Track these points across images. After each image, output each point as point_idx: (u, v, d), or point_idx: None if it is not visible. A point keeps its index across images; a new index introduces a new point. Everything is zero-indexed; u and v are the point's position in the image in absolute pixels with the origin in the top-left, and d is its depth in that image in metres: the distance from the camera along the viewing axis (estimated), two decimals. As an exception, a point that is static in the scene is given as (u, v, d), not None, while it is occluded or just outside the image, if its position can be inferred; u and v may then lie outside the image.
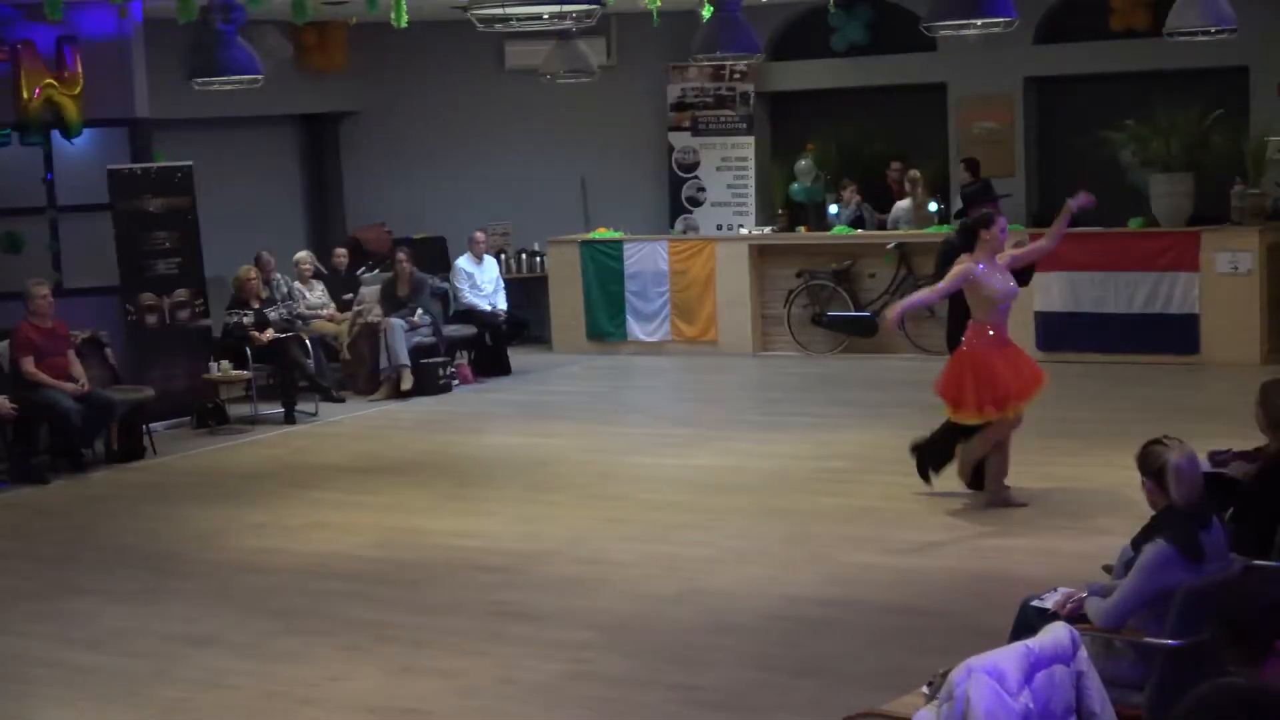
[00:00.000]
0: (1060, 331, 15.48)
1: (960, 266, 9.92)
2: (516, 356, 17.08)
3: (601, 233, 17.98)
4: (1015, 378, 9.99)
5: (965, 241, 10.15)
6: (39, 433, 12.53)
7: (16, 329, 12.67)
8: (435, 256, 18.19)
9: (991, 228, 9.92)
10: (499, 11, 9.16)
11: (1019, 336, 15.36)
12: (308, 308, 16.20)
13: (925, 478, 10.48)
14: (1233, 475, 7.23)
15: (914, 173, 16.92)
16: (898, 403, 13.93)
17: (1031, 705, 4.60)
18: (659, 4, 11.97)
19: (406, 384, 15.44)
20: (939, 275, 10.47)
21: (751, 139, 18.71)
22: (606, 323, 17.68)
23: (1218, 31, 12.75)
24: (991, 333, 9.98)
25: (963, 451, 10.25)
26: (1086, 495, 10.22)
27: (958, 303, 10.28)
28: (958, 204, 16.77)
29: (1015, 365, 10.08)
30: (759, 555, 9.49)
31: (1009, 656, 4.67)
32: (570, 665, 7.56)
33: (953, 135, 17.87)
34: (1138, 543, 6.01)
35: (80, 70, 14.12)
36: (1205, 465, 6.67)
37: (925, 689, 5.08)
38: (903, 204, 17.04)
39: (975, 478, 10.33)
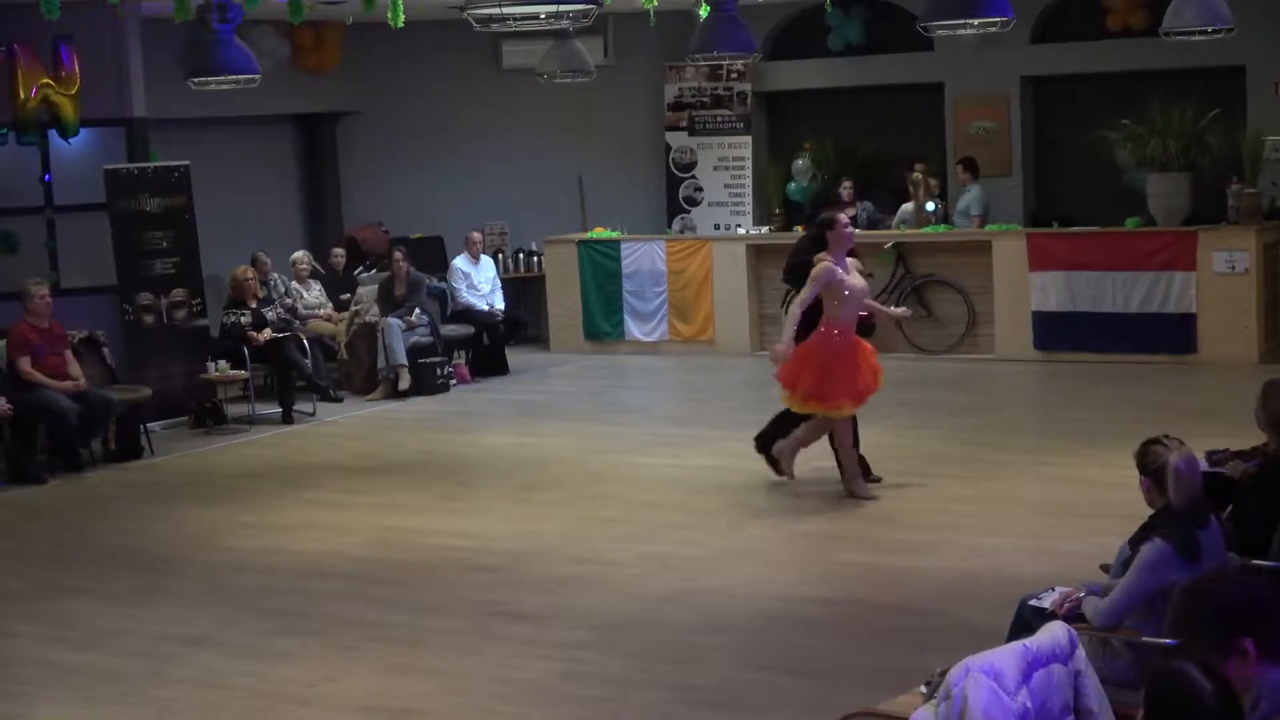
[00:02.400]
0: (1057, 331, 15.48)
1: (819, 267, 10.26)
2: (514, 356, 17.07)
3: (599, 232, 17.97)
4: (849, 381, 10.34)
5: (816, 245, 10.51)
6: (36, 433, 12.51)
7: (13, 329, 12.65)
8: (432, 256, 18.18)
9: (835, 228, 10.36)
10: (495, 11, 9.14)
11: (1016, 336, 15.52)
12: (305, 307, 16.19)
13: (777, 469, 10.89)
14: (1230, 475, 7.22)
15: (916, 175, 16.91)
16: (893, 402, 13.89)
17: (1029, 704, 4.60)
18: (655, 4, 11.95)
19: (404, 384, 15.44)
20: (796, 289, 10.78)
21: (748, 138, 18.70)
22: (604, 322, 17.67)
23: (1214, 31, 12.74)
24: (838, 333, 10.38)
25: (794, 436, 10.67)
26: (1083, 494, 10.22)
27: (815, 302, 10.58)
28: (957, 203, 16.80)
29: (854, 367, 10.39)
30: (755, 555, 9.48)
31: (1007, 656, 4.66)
32: (565, 665, 7.55)
33: (950, 135, 17.86)
34: (1135, 542, 6.00)
35: (77, 70, 14.11)
36: (1203, 465, 6.66)
37: (923, 688, 5.07)
38: (908, 206, 17.01)
39: (770, 457, 10.90)
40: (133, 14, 14.48)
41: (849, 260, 10.49)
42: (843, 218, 10.55)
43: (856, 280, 10.44)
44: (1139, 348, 15.07)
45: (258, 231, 17.43)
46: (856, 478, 10.60)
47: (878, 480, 10.81)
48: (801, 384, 10.36)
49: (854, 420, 10.67)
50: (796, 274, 10.70)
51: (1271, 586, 3.99)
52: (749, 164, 18.69)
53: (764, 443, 11.07)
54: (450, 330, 16.38)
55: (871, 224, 17.32)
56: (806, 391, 10.35)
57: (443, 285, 16.90)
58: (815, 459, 11.57)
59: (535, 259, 18.66)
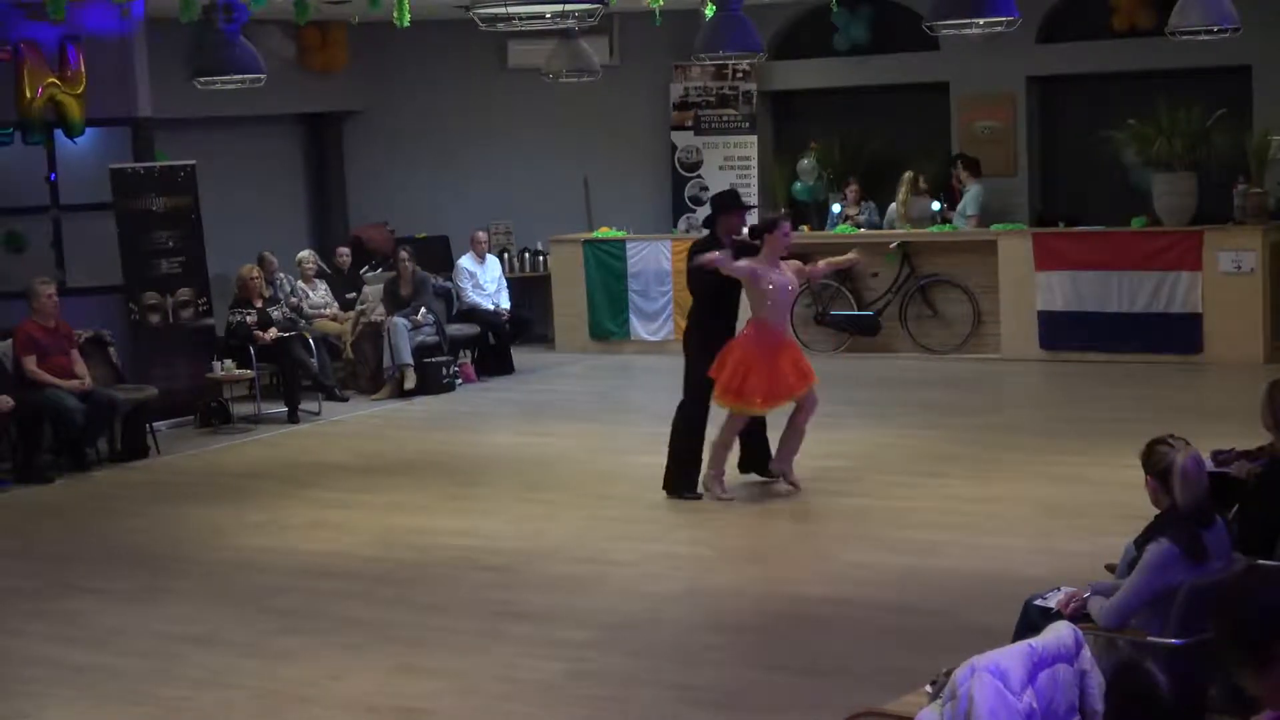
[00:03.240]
0: (1062, 330, 15.47)
1: (742, 264, 10.36)
2: (519, 355, 17.07)
3: (604, 232, 17.97)
4: (766, 379, 10.34)
5: (710, 242, 10.60)
6: (42, 432, 12.52)
7: (19, 328, 12.67)
8: (438, 256, 18.19)
9: (775, 231, 10.43)
10: (501, 11, 9.15)
11: (1022, 336, 15.51)
12: (311, 307, 16.21)
13: (691, 492, 10.71)
14: (1236, 474, 7.22)
15: (906, 174, 16.89)
16: (900, 401, 13.93)
17: (1035, 704, 4.60)
18: (661, 3, 11.95)
19: (410, 383, 15.44)
20: (694, 287, 10.76)
21: (754, 138, 18.70)
22: (609, 322, 17.67)
23: (1220, 30, 12.71)
24: (762, 330, 10.41)
25: (714, 446, 10.66)
26: (1089, 494, 10.21)
27: (705, 302, 10.69)
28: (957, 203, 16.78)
29: (773, 367, 10.38)
30: (760, 554, 9.48)
31: (1012, 656, 4.67)
32: (571, 664, 7.55)
33: (955, 134, 17.85)
34: (1141, 542, 6.00)
35: (83, 69, 14.11)
36: (1209, 465, 6.66)
37: (928, 688, 5.07)
38: (894, 205, 16.99)
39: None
40: (138, 14, 14.48)
41: (784, 263, 10.52)
42: (786, 225, 10.61)
43: (779, 279, 10.40)
44: (1145, 347, 15.06)
45: (263, 231, 17.44)
46: (718, 479, 10.62)
47: (773, 477, 10.85)
48: (720, 378, 10.36)
49: (755, 422, 10.72)
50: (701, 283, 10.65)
51: None
52: (754, 163, 18.68)
53: (756, 467, 11.01)
54: (456, 330, 16.38)
55: (876, 225, 17.30)
56: (724, 386, 10.34)
57: (448, 285, 16.90)
58: (816, 459, 11.56)
59: (541, 258, 18.66)
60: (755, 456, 10.96)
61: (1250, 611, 3.76)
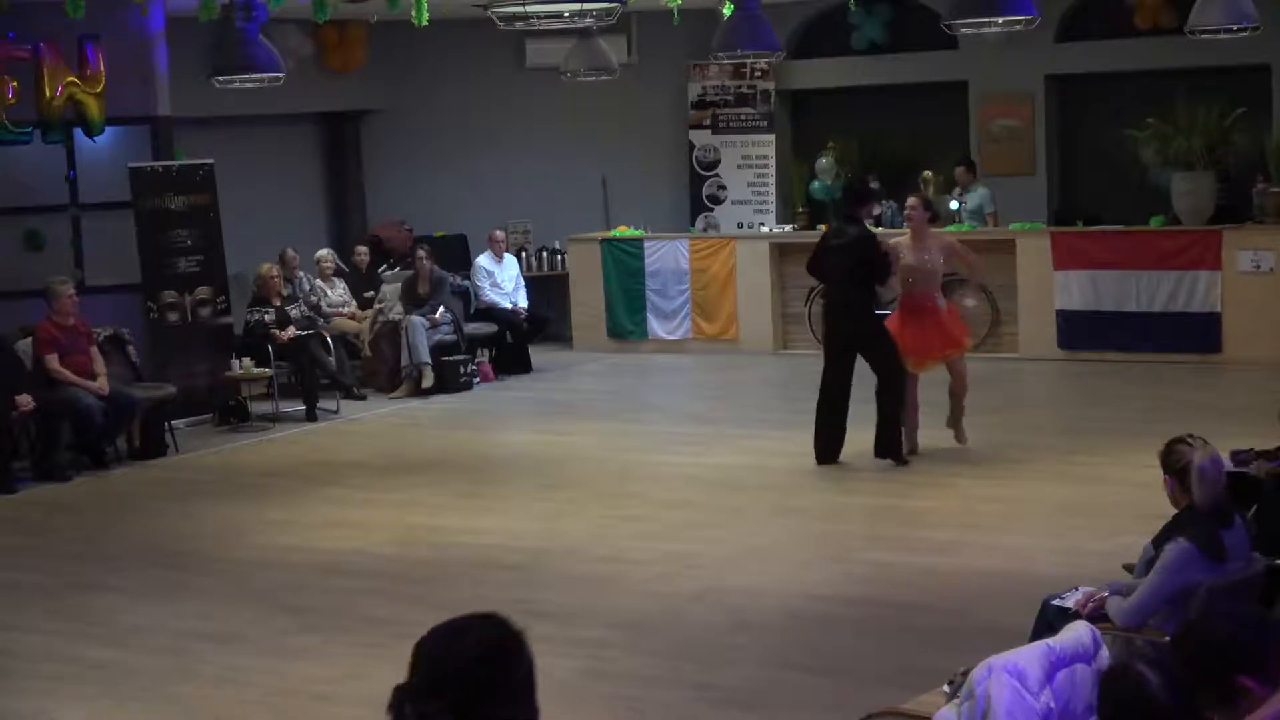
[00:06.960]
0: (1081, 330, 15.43)
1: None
2: (537, 354, 17.08)
3: (622, 231, 17.97)
4: (916, 343, 11.84)
5: (854, 228, 11.77)
6: (61, 430, 12.56)
7: (39, 327, 12.70)
8: (456, 254, 18.20)
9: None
10: (519, 9, 9.17)
11: (1040, 335, 15.50)
12: (329, 305, 16.22)
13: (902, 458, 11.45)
14: (1255, 474, 7.21)
15: (926, 173, 16.86)
16: (918, 401, 13.89)
17: (1052, 704, 4.59)
18: (679, 2, 11.95)
19: (427, 381, 15.46)
20: (858, 272, 11.67)
21: (772, 137, 18.68)
22: (627, 321, 17.67)
23: (1239, 29, 12.67)
24: (906, 302, 12.02)
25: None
26: (1107, 494, 10.19)
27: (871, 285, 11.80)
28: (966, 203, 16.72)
29: (923, 333, 11.87)
30: (778, 553, 9.47)
31: (1030, 655, 4.66)
32: (589, 663, 7.56)
33: (973, 133, 17.82)
34: (1159, 541, 5.99)
35: (102, 68, 14.14)
36: (1227, 464, 6.64)
37: (946, 687, 5.07)
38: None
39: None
40: (157, 13, 14.52)
41: (930, 239, 11.91)
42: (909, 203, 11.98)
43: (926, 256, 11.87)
44: (1163, 347, 15.02)
45: (281, 230, 17.44)
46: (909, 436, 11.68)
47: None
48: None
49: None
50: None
51: (1250, 613, 3.92)
52: (772, 162, 18.67)
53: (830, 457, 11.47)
54: (473, 328, 16.40)
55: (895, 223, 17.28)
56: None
57: (466, 283, 16.92)
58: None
59: (558, 257, 18.66)
60: (831, 446, 11.46)
61: (1207, 649, 3.76)
